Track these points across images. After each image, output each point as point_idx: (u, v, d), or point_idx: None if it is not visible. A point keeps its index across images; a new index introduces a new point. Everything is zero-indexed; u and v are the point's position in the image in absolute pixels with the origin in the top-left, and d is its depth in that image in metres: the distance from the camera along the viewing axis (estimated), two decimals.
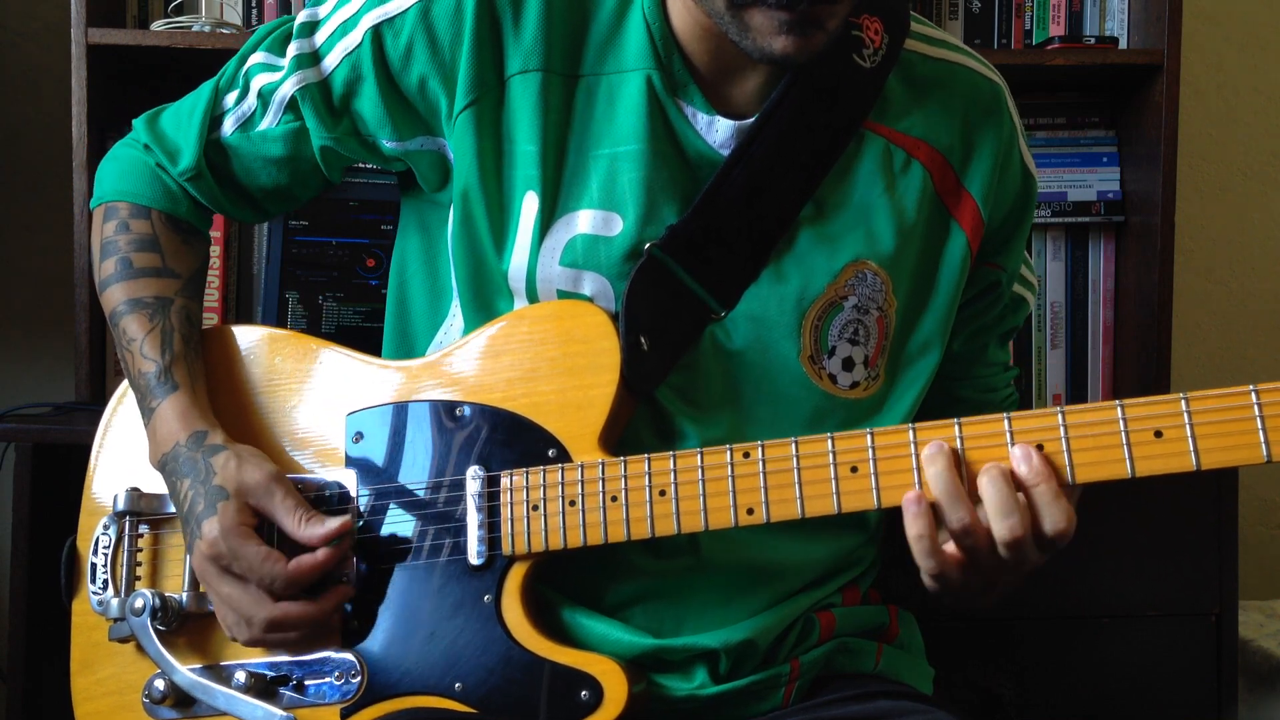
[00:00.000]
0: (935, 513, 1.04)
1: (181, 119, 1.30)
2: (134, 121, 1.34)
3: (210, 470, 1.18)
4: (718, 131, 1.19)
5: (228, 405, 1.26)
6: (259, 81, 1.27)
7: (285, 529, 1.17)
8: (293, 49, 1.25)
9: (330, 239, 1.97)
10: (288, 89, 1.25)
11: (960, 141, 1.24)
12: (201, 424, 1.21)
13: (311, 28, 1.26)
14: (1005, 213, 1.28)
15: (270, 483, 1.17)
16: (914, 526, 1.04)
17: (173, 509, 1.26)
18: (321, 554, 1.15)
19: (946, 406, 1.23)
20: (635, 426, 1.18)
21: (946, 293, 1.24)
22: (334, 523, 1.16)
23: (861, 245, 1.20)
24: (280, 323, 1.95)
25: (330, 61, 1.24)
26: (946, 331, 1.25)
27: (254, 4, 2.04)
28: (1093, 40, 2.06)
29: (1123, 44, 2.10)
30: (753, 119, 1.19)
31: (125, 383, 1.32)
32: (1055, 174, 2.10)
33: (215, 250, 1.99)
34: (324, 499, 1.21)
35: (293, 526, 1.16)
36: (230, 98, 1.29)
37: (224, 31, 1.94)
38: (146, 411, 1.23)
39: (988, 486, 1.02)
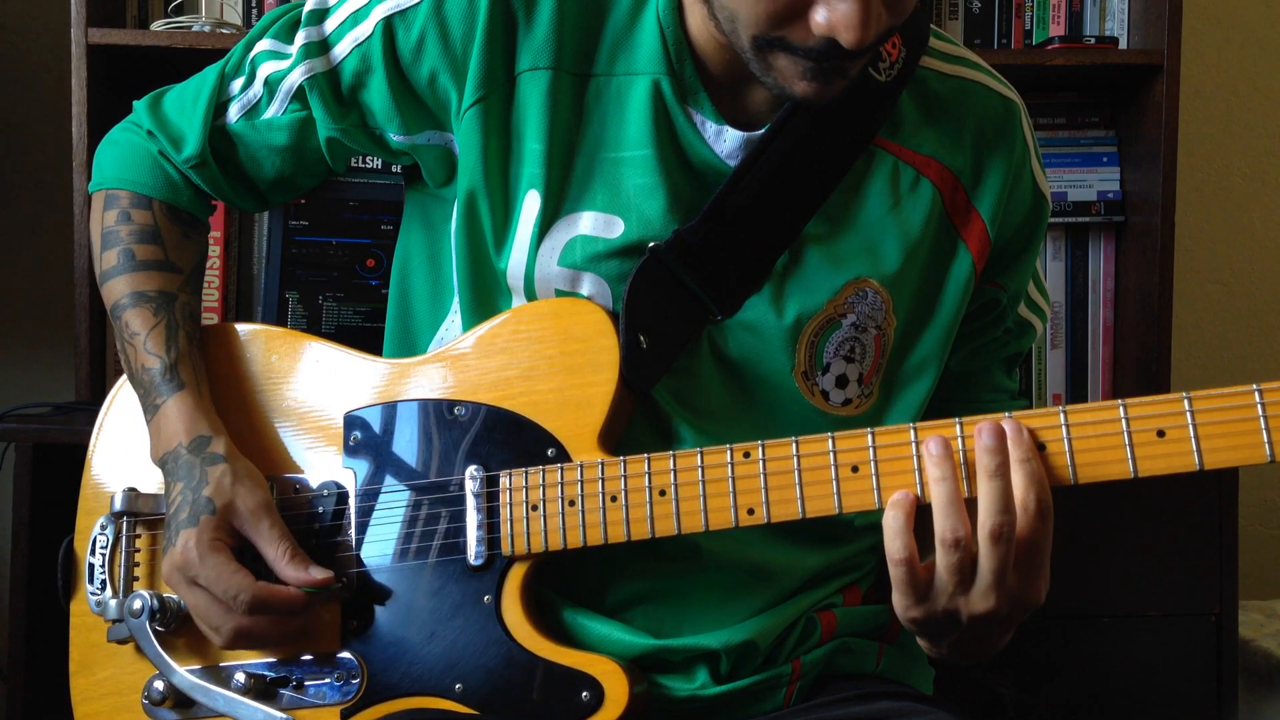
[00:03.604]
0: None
1: (185, 104, 1.29)
2: (135, 104, 1.33)
3: (204, 480, 1.17)
4: (726, 142, 1.18)
5: (225, 404, 1.25)
6: (266, 69, 1.26)
7: (267, 559, 1.16)
8: (301, 37, 1.24)
9: (330, 239, 1.97)
10: (295, 78, 1.24)
11: (971, 161, 1.23)
12: (206, 428, 1.21)
13: (321, 15, 1.25)
14: (1013, 232, 1.26)
15: (260, 511, 1.16)
16: (900, 548, 1.01)
17: None
18: (296, 591, 1.14)
19: None
20: (634, 429, 1.18)
21: (948, 314, 1.23)
22: (319, 573, 1.15)
23: (865, 264, 1.19)
24: (280, 323, 1.95)
25: (339, 51, 1.23)
26: (945, 352, 1.24)
27: (254, 4, 2.04)
28: (1093, 40, 2.06)
29: (1123, 44, 2.10)
30: (762, 130, 1.18)
31: (121, 382, 1.32)
32: (1055, 174, 2.10)
33: (215, 250, 1.99)
34: (321, 499, 1.21)
35: (275, 557, 1.15)
36: (236, 84, 1.28)
37: (224, 31, 1.94)
38: (150, 408, 1.23)
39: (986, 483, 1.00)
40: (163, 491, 1.25)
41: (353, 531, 1.20)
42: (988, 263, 1.25)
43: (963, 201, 1.23)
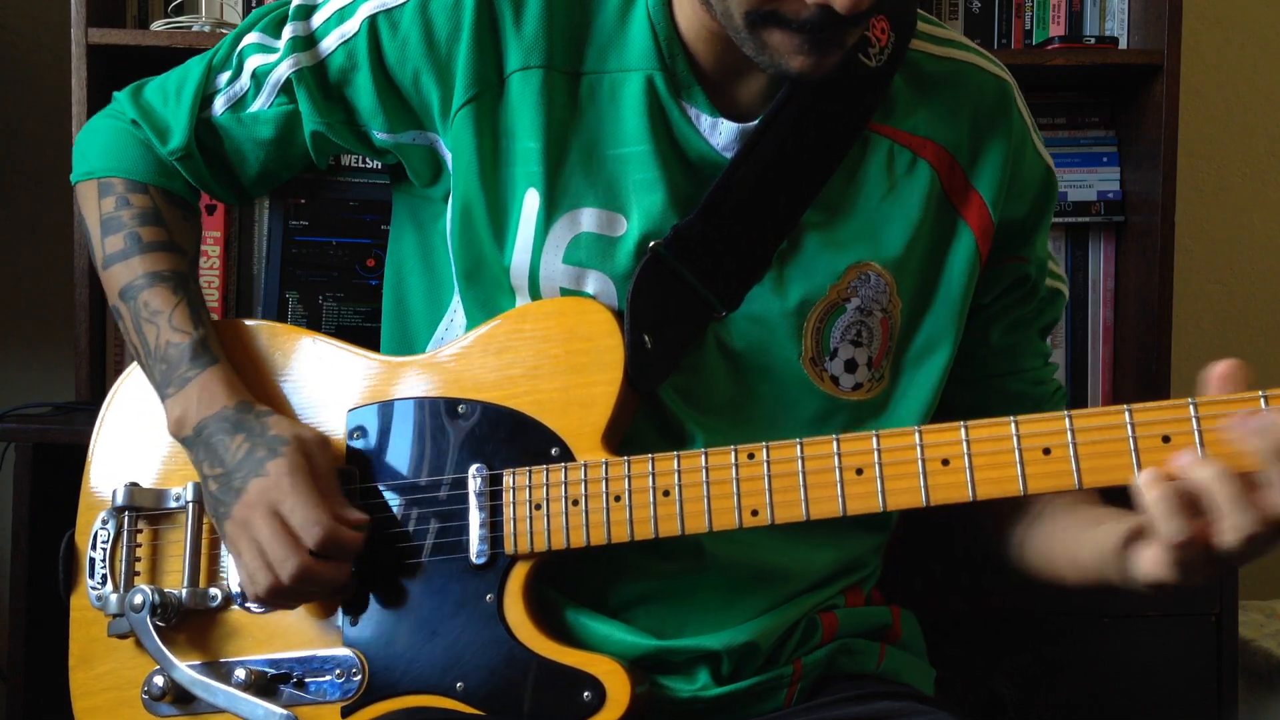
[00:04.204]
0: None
1: (169, 96, 1.29)
2: (116, 95, 1.33)
3: (265, 426, 1.18)
4: (721, 134, 1.19)
5: None
6: (253, 62, 1.26)
7: (319, 488, 1.16)
8: (288, 31, 1.25)
9: (330, 239, 1.97)
10: (283, 71, 1.25)
11: (968, 140, 1.24)
12: (246, 396, 1.22)
13: (308, 11, 1.26)
14: (1026, 208, 1.27)
15: (321, 440, 1.19)
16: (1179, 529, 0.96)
17: (172, 504, 1.26)
18: (359, 536, 1.15)
19: (1002, 403, 1.21)
20: (641, 430, 1.18)
21: (953, 292, 1.23)
22: (356, 513, 1.16)
23: (865, 247, 1.20)
24: (280, 322, 1.94)
25: (326, 46, 1.24)
26: (955, 332, 1.25)
27: (254, 4, 2.04)
28: (1093, 40, 2.05)
29: (1123, 44, 2.10)
30: (756, 121, 1.18)
31: (123, 378, 1.32)
32: (1055, 174, 2.09)
33: (215, 250, 1.99)
34: None
35: (327, 488, 1.16)
36: (223, 78, 1.28)
37: (224, 32, 1.93)
38: (178, 380, 1.22)
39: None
40: (164, 487, 1.26)
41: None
42: (999, 240, 1.25)
43: (960, 181, 1.23)
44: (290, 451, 1.16)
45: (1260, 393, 0.97)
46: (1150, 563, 1.00)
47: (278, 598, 1.16)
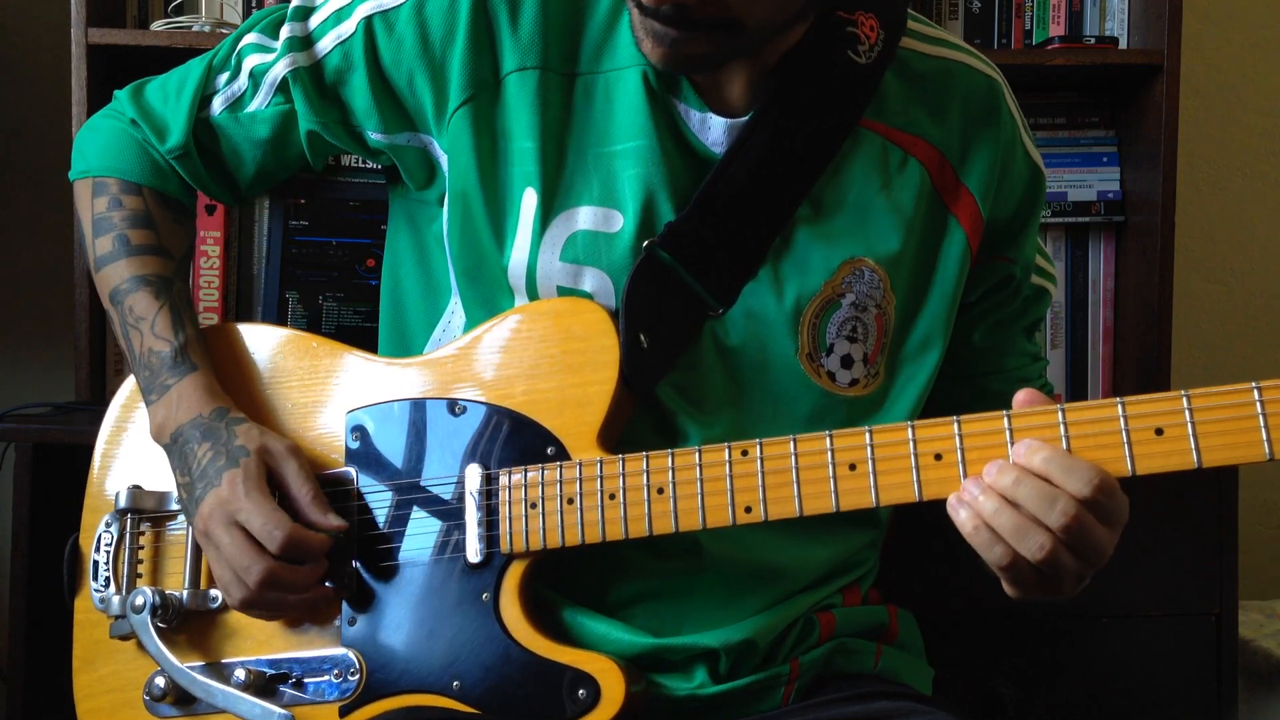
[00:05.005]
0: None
1: (169, 95, 1.30)
2: (116, 93, 1.34)
3: (233, 435, 1.18)
4: (711, 129, 1.19)
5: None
6: (251, 62, 1.27)
7: (292, 496, 1.17)
8: (285, 31, 1.26)
9: (330, 239, 1.97)
10: (279, 70, 1.25)
11: (958, 138, 1.24)
12: (224, 403, 1.22)
13: (306, 12, 1.26)
14: (1014, 207, 1.28)
15: (290, 451, 1.18)
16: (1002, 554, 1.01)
17: (174, 506, 1.26)
18: (324, 537, 1.16)
19: (980, 402, 1.22)
20: (638, 428, 1.18)
21: (945, 289, 1.24)
22: (335, 520, 1.16)
23: (858, 243, 1.20)
24: (280, 323, 1.94)
25: (323, 46, 1.25)
26: (948, 328, 1.25)
27: (254, 4, 2.05)
28: (1093, 40, 2.05)
29: (1123, 44, 2.10)
30: (746, 117, 1.19)
31: (127, 383, 1.32)
32: (1055, 174, 2.09)
33: (215, 250, 1.99)
34: None
35: (299, 495, 1.16)
36: (222, 78, 1.29)
37: (224, 31, 1.94)
38: (159, 388, 1.23)
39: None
40: (167, 490, 1.26)
41: (353, 529, 1.20)
42: (987, 238, 1.26)
43: (951, 179, 1.23)
44: (248, 462, 1.16)
45: (1253, 384, 0.97)
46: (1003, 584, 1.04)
47: (251, 608, 1.17)
